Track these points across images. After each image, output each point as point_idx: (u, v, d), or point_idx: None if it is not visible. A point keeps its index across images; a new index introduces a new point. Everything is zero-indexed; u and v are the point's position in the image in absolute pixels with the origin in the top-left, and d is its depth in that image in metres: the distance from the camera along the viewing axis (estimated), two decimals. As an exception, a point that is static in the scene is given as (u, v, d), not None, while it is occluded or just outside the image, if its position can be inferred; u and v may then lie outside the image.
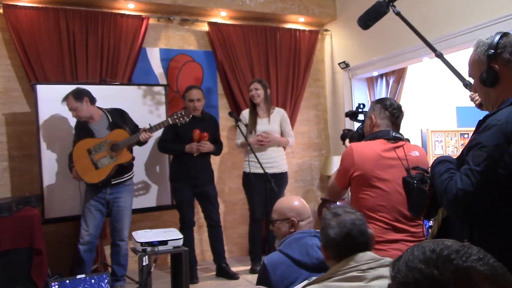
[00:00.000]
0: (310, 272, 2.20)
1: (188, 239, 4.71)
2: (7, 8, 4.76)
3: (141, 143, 4.31)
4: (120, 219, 4.37)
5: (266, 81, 5.22)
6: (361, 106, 3.04)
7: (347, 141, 2.96)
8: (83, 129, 4.32)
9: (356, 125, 3.05)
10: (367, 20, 2.54)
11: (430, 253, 0.92)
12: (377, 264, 1.72)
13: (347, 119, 5.17)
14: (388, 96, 5.50)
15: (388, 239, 2.46)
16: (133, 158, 4.36)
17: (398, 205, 2.47)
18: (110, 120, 4.35)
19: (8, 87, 4.89)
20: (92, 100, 4.31)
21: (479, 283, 0.87)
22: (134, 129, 4.42)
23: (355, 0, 5.71)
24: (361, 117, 3.05)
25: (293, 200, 2.55)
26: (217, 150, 4.92)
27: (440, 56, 2.41)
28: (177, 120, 4.33)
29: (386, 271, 1.65)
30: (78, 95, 4.24)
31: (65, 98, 4.26)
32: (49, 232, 4.64)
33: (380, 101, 2.75)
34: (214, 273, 4.98)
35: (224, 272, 4.89)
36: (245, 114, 5.10)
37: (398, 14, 2.50)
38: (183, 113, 4.33)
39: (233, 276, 4.83)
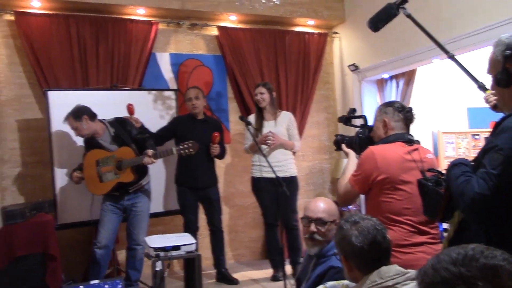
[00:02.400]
0: None
1: None
2: (18, 15, 4.81)
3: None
4: (137, 224, 4.38)
5: (274, 85, 5.19)
6: (353, 111, 3.04)
7: (343, 146, 2.93)
8: (92, 144, 4.33)
9: (349, 129, 3.03)
10: (377, 22, 2.53)
11: (457, 254, 0.96)
12: (403, 278, 1.70)
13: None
14: (399, 98, 5.48)
15: (414, 242, 2.45)
16: (136, 178, 4.31)
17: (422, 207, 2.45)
18: (112, 134, 4.33)
19: (21, 93, 4.93)
20: (92, 116, 4.27)
21: (507, 280, 0.89)
22: (138, 136, 4.39)
23: (364, 2, 5.70)
24: (354, 121, 3.04)
25: (330, 201, 2.61)
26: (222, 154, 4.88)
27: (452, 57, 2.39)
28: (181, 151, 4.25)
29: (413, 286, 1.64)
30: (77, 114, 4.21)
31: (66, 119, 4.25)
32: (62, 237, 4.65)
33: (391, 104, 2.73)
34: (214, 279, 4.96)
35: (224, 277, 4.88)
36: (252, 118, 5.06)
37: (408, 16, 2.48)
38: (190, 144, 4.23)
39: (233, 281, 4.82)
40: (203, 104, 4.89)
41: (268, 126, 4.91)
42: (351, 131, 3.01)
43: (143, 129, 4.59)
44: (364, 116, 3.01)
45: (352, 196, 2.72)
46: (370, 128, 2.83)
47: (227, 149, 5.23)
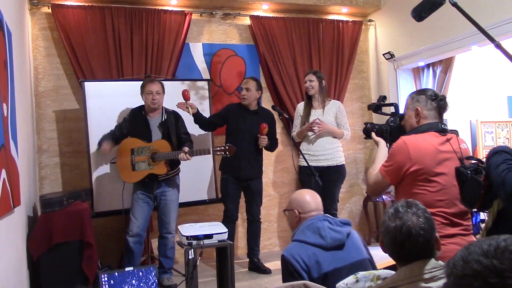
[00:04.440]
0: (328, 251, 2.30)
1: (229, 233, 4.75)
2: (55, 7, 4.90)
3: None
4: (168, 212, 4.46)
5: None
6: (383, 98, 2.96)
7: (373, 134, 2.86)
8: (141, 119, 4.42)
9: (377, 117, 2.95)
10: (421, 11, 2.44)
11: (488, 246, 0.93)
12: (441, 272, 1.63)
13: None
14: (436, 87, 5.35)
15: (447, 234, 2.38)
16: (169, 171, 4.41)
17: (455, 199, 2.38)
18: (163, 119, 4.43)
19: (58, 84, 5.04)
20: None
21: None
22: (183, 135, 4.49)
23: (400, -11, 5.57)
24: (384, 109, 2.96)
25: (302, 193, 2.63)
26: (271, 146, 4.90)
27: (498, 46, 2.29)
28: (218, 153, 4.37)
29: None
30: (163, 88, 4.44)
31: (152, 80, 4.44)
32: (98, 225, 4.76)
33: (423, 92, 2.64)
34: (247, 268, 5.00)
35: (256, 267, 4.90)
36: (300, 107, 5.06)
37: (454, 5, 2.39)
38: (227, 147, 4.33)
39: (265, 271, 4.83)
40: (255, 96, 4.85)
41: (316, 115, 4.90)
42: (384, 121, 2.93)
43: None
44: (395, 104, 2.93)
45: (382, 187, 2.64)
46: (401, 117, 2.75)
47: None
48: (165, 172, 4.38)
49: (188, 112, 4.62)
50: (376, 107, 2.94)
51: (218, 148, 4.35)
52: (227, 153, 4.32)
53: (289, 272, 2.30)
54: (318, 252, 2.31)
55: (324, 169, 4.79)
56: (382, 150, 2.73)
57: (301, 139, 4.96)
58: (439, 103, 2.58)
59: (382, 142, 2.78)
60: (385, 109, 2.99)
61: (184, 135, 4.52)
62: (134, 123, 4.45)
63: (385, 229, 1.73)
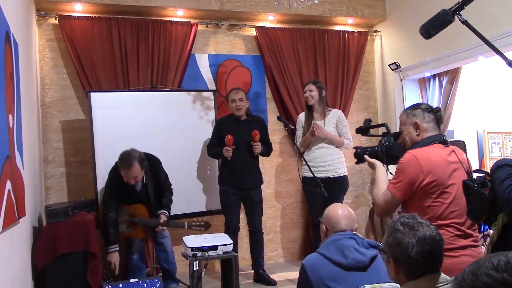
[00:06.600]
0: (347, 271, 2.31)
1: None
2: (62, 19, 4.94)
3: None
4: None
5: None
6: (369, 121, 2.96)
7: (366, 157, 2.80)
8: (124, 186, 4.27)
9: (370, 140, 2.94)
10: (430, 28, 2.42)
11: (498, 260, 0.94)
12: (449, 286, 1.63)
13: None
14: (442, 97, 5.33)
15: (460, 245, 2.36)
16: (145, 236, 4.45)
17: (465, 209, 2.36)
18: (144, 181, 4.34)
19: (64, 95, 5.06)
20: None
21: None
22: (166, 183, 4.45)
23: (405, 0, 5.57)
24: (372, 131, 2.95)
25: (334, 210, 2.61)
26: (266, 151, 4.90)
27: (511, 64, 2.27)
28: (192, 228, 4.31)
29: None
30: (143, 162, 4.16)
31: (129, 165, 4.07)
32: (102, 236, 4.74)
33: (417, 106, 2.64)
34: (252, 280, 4.95)
35: (261, 278, 4.86)
36: (301, 117, 5.04)
37: (464, 22, 2.38)
38: (202, 223, 4.31)
39: (270, 283, 4.78)
40: (247, 105, 4.88)
41: None
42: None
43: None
44: (385, 124, 2.92)
45: (394, 205, 2.57)
46: (396, 135, 2.73)
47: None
48: (142, 237, 4.44)
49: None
50: (364, 130, 2.93)
51: (194, 224, 4.31)
52: (202, 228, 4.30)
53: (303, 281, 2.36)
54: (336, 270, 2.31)
55: (324, 180, 4.73)
56: (381, 171, 2.69)
57: (306, 148, 4.93)
58: (436, 114, 2.59)
59: (378, 163, 2.73)
60: (373, 131, 2.99)
61: (165, 187, 4.45)
62: (121, 189, 4.30)
63: (405, 247, 1.71)
